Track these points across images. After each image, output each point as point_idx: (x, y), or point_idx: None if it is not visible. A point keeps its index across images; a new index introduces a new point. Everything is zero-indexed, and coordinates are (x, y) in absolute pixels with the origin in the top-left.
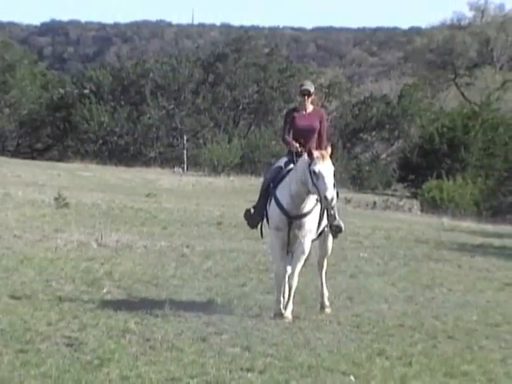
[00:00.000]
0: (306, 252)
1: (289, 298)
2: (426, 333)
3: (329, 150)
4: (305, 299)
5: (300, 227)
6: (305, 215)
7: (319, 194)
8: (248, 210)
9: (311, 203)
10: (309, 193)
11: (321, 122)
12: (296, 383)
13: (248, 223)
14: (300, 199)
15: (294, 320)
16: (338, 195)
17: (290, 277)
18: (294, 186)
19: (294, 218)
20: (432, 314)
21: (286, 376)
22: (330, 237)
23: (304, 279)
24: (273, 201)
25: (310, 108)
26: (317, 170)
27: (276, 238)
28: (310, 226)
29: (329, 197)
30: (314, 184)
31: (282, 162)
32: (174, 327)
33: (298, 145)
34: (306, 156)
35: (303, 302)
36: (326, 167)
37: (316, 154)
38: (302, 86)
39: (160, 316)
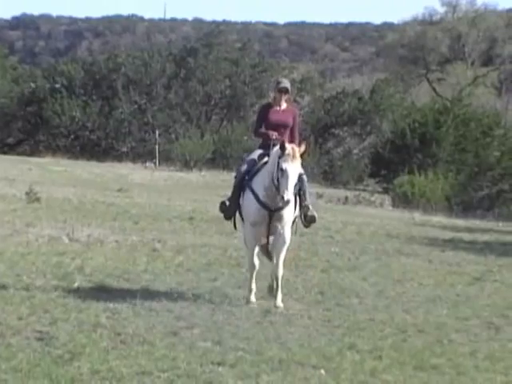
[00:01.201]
0: (288, 242)
1: (277, 288)
2: (396, 327)
3: (303, 147)
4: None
5: (280, 219)
6: (285, 208)
7: (278, 191)
8: (223, 203)
9: None
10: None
11: (294, 119)
12: (267, 377)
13: (224, 215)
14: (274, 193)
15: (264, 314)
16: (305, 188)
17: (276, 268)
18: (267, 178)
19: (274, 211)
20: (402, 308)
21: (257, 370)
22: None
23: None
24: (249, 194)
25: (284, 105)
26: (283, 168)
27: (251, 232)
28: (289, 216)
29: (285, 198)
30: (277, 179)
31: (255, 154)
32: (145, 321)
33: (275, 133)
34: (278, 148)
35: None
36: (293, 167)
37: (288, 149)
38: (279, 83)
39: (131, 310)
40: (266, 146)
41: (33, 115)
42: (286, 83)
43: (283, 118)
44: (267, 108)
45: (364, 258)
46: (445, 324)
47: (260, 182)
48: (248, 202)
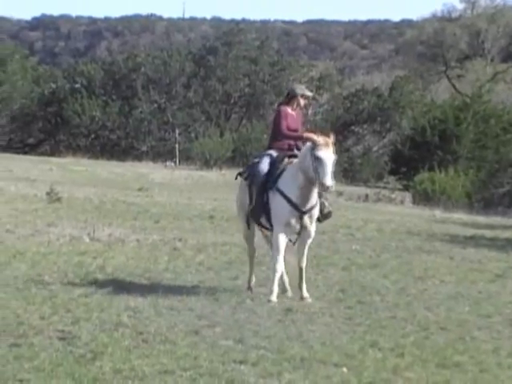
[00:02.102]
0: (313, 235)
1: (302, 280)
2: (418, 324)
3: (332, 137)
4: (297, 292)
5: (310, 218)
6: (315, 206)
7: (318, 180)
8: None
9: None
10: (314, 182)
11: (302, 124)
12: (289, 375)
13: (254, 218)
14: (308, 190)
15: (286, 313)
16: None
17: (301, 260)
18: (301, 175)
19: (305, 212)
20: (424, 306)
21: (279, 368)
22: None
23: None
24: (278, 196)
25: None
26: (319, 156)
27: (283, 233)
28: (317, 212)
29: (327, 184)
30: (314, 169)
31: (271, 155)
32: (167, 320)
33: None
34: (308, 143)
35: (296, 295)
36: (328, 154)
37: (320, 140)
38: (303, 90)
39: (153, 309)
40: (281, 149)
41: (53, 115)
42: (309, 92)
43: (297, 123)
44: (287, 110)
45: (385, 255)
46: (467, 321)
47: (290, 183)
48: (279, 204)
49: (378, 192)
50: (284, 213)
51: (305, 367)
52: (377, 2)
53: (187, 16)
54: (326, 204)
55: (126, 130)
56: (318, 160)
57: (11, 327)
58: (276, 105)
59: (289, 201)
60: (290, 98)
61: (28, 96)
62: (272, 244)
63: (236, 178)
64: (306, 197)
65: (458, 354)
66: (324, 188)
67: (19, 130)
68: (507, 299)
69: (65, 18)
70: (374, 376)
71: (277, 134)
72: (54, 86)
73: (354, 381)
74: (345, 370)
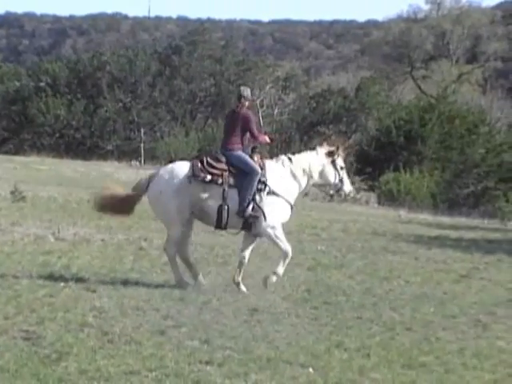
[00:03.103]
0: None
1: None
2: (383, 325)
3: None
4: (263, 292)
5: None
6: None
7: (343, 189)
8: None
9: None
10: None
11: None
12: (255, 376)
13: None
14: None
15: (251, 313)
16: None
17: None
18: (305, 180)
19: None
20: (390, 306)
21: (245, 369)
22: None
23: (263, 271)
24: (278, 198)
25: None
26: (342, 165)
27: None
28: None
29: (349, 191)
30: (339, 178)
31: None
32: (133, 320)
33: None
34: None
35: (262, 295)
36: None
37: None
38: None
39: (118, 309)
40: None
41: (17, 114)
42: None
43: None
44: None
45: (350, 255)
46: (432, 322)
47: (288, 185)
48: (281, 205)
49: None
50: (286, 212)
51: (271, 368)
52: (342, 3)
53: (153, 15)
54: None
55: (90, 129)
56: (342, 169)
57: None
58: (242, 107)
59: (288, 202)
60: (249, 101)
61: None
62: (275, 238)
63: (190, 182)
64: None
65: (424, 355)
66: (347, 194)
67: None
68: (472, 300)
69: (29, 15)
70: (340, 377)
71: (244, 138)
72: (18, 84)
73: (320, 381)
74: (311, 370)
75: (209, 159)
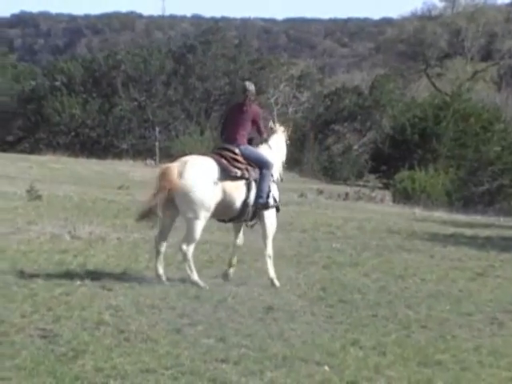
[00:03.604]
0: None
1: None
2: (399, 323)
3: None
4: (278, 290)
5: None
6: None
7: None
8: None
9: None
10: None
11: None
12: (271, 374)
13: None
14: None
15: (267, 311)
16: None
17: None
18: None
19: None
20: (405, 304)
21: (261, 367)
22: None
23: (278, 269)
24: (276, 186)
25: None
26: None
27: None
28: None
29: None
30: None
31: None
32: (149, 319)
33: None
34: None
35: (277, 293)
36: None
37: None
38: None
39: (134, 308)
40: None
41: (33, 113)
42: None
43: None
44: None
45: (365, 253)
46: (448, 320)
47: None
48: (277, 191)
49: (358, 190)
50: (278, 197)
51: (287, 365)
52: (357, 1)
53: (167, 14)
54: None
55: (105, 128)
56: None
57: None
58: (250, 102)
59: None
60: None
61: (7, 93)
62: (268, 231)
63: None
64: None
65: (440, 353)
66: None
67: None
68: (488, 297)
69: (44, 15)
70: (356, 374)
71: (249, 134)
72: (33, 83)
73: (336, 379)
74: (327, 368)
75: (230, 154)
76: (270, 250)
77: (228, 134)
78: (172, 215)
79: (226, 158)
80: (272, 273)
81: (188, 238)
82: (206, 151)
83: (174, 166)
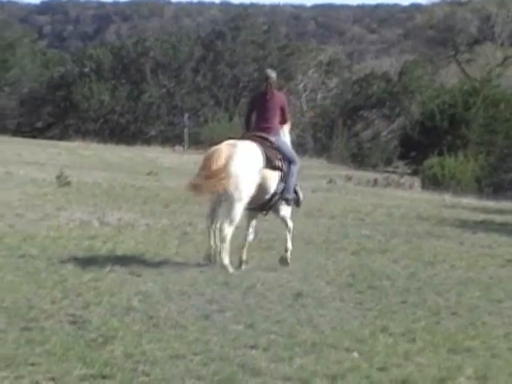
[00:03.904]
0: None
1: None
2: (428, 309)
3: None
4: (307, 276)
5: None
6: None
7: None
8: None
9: None
10: None
11: None
12: (300, 360)
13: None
14: None
15: (296, 297)
16: None
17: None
18: None
19: None
20: (434, 291)
21: (290, 353)
22: None
23: (307, 256)
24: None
25: None
26: None
27: None
28: None
29: None
30: None
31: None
32: (178, 305)
33: None
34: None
35: (306, 279)
36: None
37: None
38: None
39: (163, 294)
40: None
41: (62, 99)
42: None
43: None
44: None
45: (395, 240)
46: (478, 306)
47: None
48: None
49: (387, 177)
50: None
51: (316, 352)
52: None
53: (196, 0)
54: None
55: (134, 115)
56: None
57: (22, 311)
58: (273, 90)
59: None
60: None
61: (37, 80)
62: (287, 219)
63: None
64: None
65: (469, 339)
66: None
67: (28, 114)
68: None
69: (73, 1)
70: (386, 361)
71: (284, 120)
72: (62, 69)
73: (366, 366)
74: (356, 354)
75: (268, 143)
76: (289, 243)
77: (259, 123)
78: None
79: (266, 147)
80: (289, 257)
81: (230, 219)
82: (244, 136)
83: (224, 149)
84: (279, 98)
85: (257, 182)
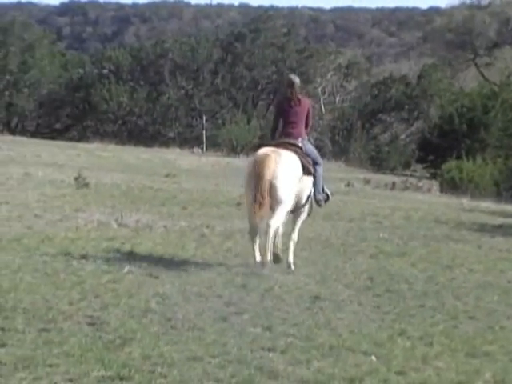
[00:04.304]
0: None
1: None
2: (446, 313)
3: None
4: (325, 279)
5: None
6: None
7: None
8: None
9: None
10: None
11: None
12: (318, 363)
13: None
14: None
15: (314, 300)
16: None
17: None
18: None
19: None
20: (453, 295)
21: (308, 356)
22: None
23: (325, 258)
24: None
25: None
26: None
27: None
28: None
29: None
30: None
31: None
32: (195, 307)
33: None
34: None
35: (324, 282)
36: None
37: None
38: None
39: (181, 296)
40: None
41: (81, 101)
42: None
43: None
44: None
45: (413, 243)
46: (496, 310)
47: None
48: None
49: (405, 180)
50: None
51: (333, 355)
52: None
53: (215, 2)
54: None
55: (153, 116)
56: None
57: (40, 312)
58: (298, 95)
59: None
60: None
61: (56, 81)
62: (297, 228)
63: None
64: None
65: (488, 344)
66: None
67: (47, 116)
68: None
69: (93, 3)
70: (404, 365)
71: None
72: (81, 71)
73: (383, 369)
74: (374, 358)
75: (299, 150)
76: (296, 236)
77: (287, 128)
78: None
79: (301, 155)
80: (291, 257)
81: (276, 218)
82: (277, 143)
83: (273, 156)
84: (305, 103)
85: (297, 189)
